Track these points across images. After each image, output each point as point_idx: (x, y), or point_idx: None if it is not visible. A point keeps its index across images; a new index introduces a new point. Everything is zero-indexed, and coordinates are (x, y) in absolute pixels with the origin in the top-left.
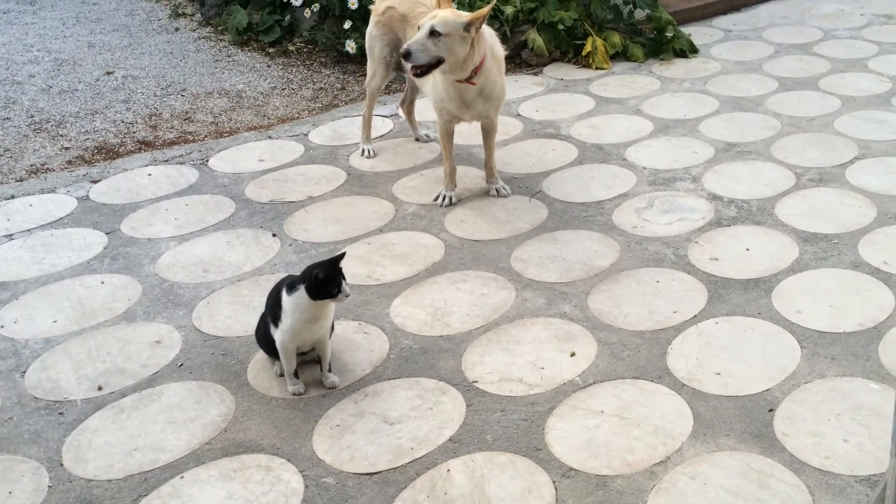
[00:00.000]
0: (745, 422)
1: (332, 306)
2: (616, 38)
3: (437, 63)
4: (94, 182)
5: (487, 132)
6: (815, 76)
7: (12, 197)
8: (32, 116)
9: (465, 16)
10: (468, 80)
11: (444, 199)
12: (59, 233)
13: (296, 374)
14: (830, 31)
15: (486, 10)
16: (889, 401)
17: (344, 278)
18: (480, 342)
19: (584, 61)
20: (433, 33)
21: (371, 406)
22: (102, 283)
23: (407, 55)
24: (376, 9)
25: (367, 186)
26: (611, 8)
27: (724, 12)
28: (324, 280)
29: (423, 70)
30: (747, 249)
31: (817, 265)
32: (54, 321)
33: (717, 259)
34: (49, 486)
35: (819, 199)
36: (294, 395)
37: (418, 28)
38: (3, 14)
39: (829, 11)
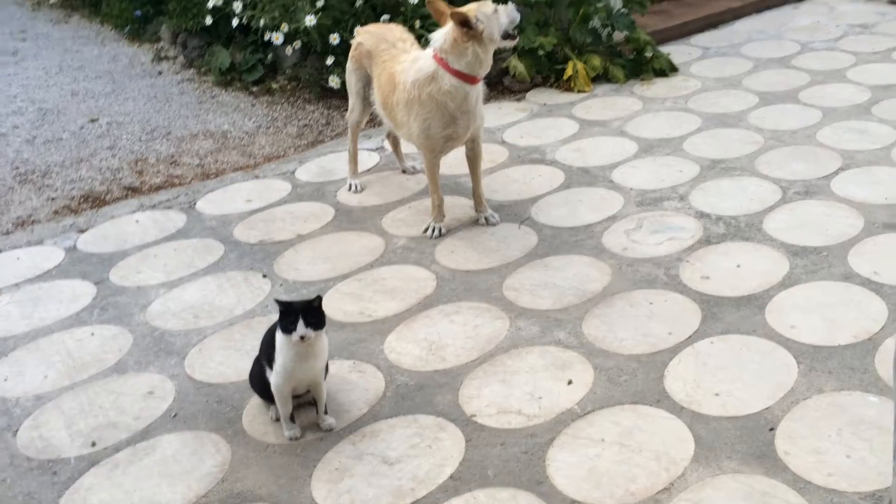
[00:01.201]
0: (747, 442)
1: (320, 346)
2: (596, 61)
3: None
4: (82, 231)
5: (473, 160)
6: (795, 89)
7: None
8: (17, 168)
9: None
10: (483, 75)
11: (433, 230)
12: (47, 285)
13: (292, 418)
14: (807, 44)
15: None
16: (888, 413)
17: (312, 322)
18: (477, 374)
19: (566, 85)
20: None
21: (369, 447)
22: (93, 334)
23: (516, 8)
24: (353, 44)
25: (355, 222)
26: (589, 31)
27: (702, 30)
28: (281, 314)
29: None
30: (738, 266)
31: (808, 278)
32: (45, 376)
33: (708, 277)
34: None
35: (806, 212)
36: (290, 440)
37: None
38: None
39: (805, 24)
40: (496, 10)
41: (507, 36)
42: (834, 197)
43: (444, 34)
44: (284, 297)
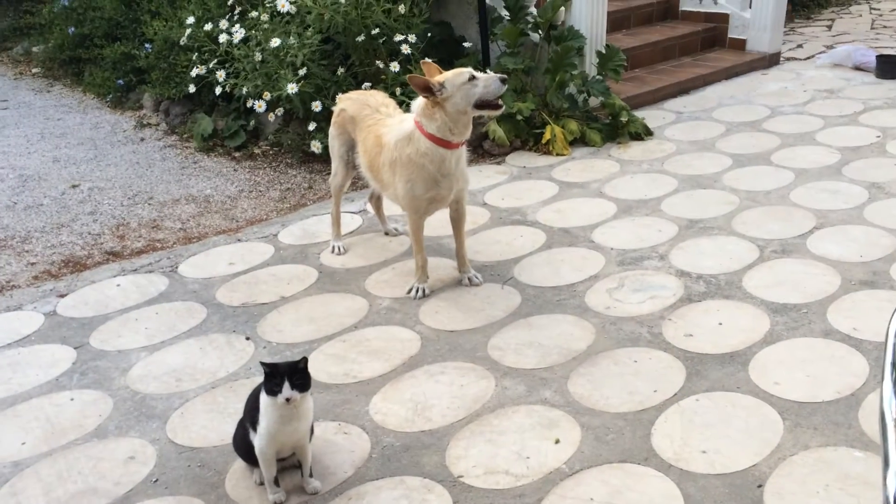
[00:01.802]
0: (736, 500)
1: (305, 408)
2: (573, 125)
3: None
4: (62, 296)
5: (457, 221)
6: (767, 151)
7: None
8: None
9: None
10: (462, 142)
11: (417, 291)
12: (25, 350)
13: (276, 482)
14: (777, 108)
15: None
16: (874, 468)
17: (298, 384)
18: (463, 434)
19: (544, 148)
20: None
21: None
22: (72, 399)
23: (503, 81)
24: (335, 110)
25: (339, 283)
26: (566, 97)
27: (674, 95)
28: (266, 376)
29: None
30: (720, 324)
31: (789, 335)
32: (23, 443)
33: (691, 335)
34: None
35: (784, 270)
36: None
37: (471, 79)
38: None
39: (774, 90)
40: (471, 79)
41: (486, 105)
42: (810, 255)
43: (420, 99)
44: (269, 360)
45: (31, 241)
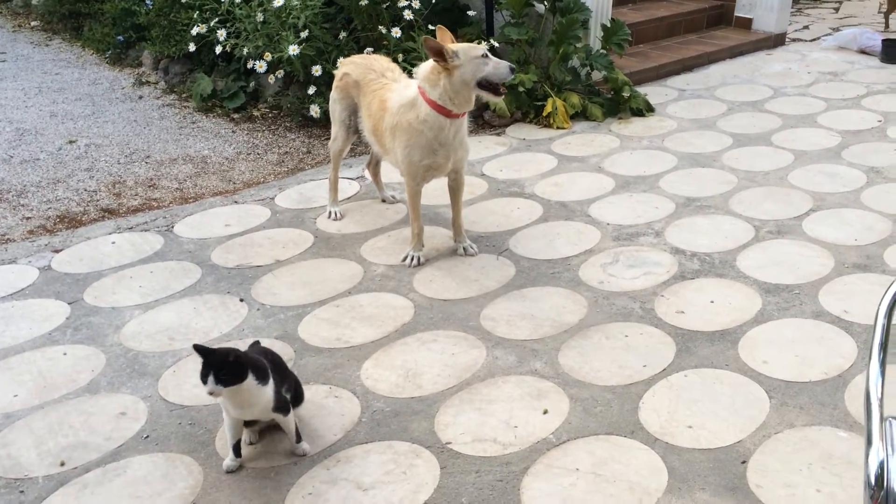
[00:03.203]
0: (719, 474)
1: (250, 395)
2: (575, 99)
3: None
4: (57, 251)
5: (455, 190)
6: (768, 132)
7: None
8: None
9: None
10: (462, 112)
11: (412, 259)
12: (20, 304)
13: (236, 449)
14: (780, 89)
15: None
16: (857, 449)
17: (223, 379)
18: (453, 402)
19: (545, 121)
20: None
21: (343, 472)
22: (65, 354)
23: (512, 70)
24: (337, 74)
25: (334, 249)
26: (569, 70)
27: (678, 73)
28: (202, 363)
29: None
30: (712, 302)
31: (780, 315)
32: (15, 395)
33: (683, 312)
34: None
35: (778, 251)
36: (226, 471)
37: (483, 56)
38: None
39: (778, 70)
40: (483, 56)
41: (489, 87)
42: (805, 237)
43: (427, 64)
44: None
45: (26, 196)
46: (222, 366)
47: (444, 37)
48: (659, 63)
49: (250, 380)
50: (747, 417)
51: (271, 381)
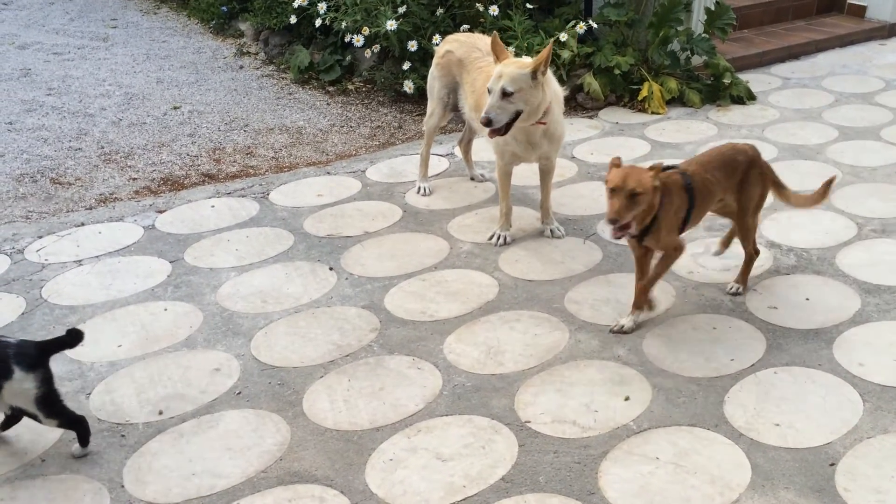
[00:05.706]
0: (806, 475)
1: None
2: (672, 84)
3: (516, 117)
4: (160, 212)
5: (546, 173)
6: (877, 126)
7: (82, 224)
8: (103, 147)
9: (528, 63)
10: (539, 121)
11: (498, 238)
12: (125, 260)
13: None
14: (892, 82)
15: (546, 52)
16: None
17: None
18: (533, 382)
19: (639, 105)
20: (505, 94)
21: (423, 442)
22: (166, 310)
23: (488, 122)
24: (438, 51)
25: (422, 223)
26: (668, 54)
27: (783, 60)
28: None
29: (505, 128)
30: (807, 299)
31: (880, 317)
32: (119, 345)
33: (775, 307)
34: None
35: (882, 251)
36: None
37: (488, 91)
38: (78, 49)
39: (891, 61)
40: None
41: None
42: None
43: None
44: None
45: (133, 157)
46: None
47: (501, 45)
48: (763, 49)
49: None
50: (839, 419)
51: None
